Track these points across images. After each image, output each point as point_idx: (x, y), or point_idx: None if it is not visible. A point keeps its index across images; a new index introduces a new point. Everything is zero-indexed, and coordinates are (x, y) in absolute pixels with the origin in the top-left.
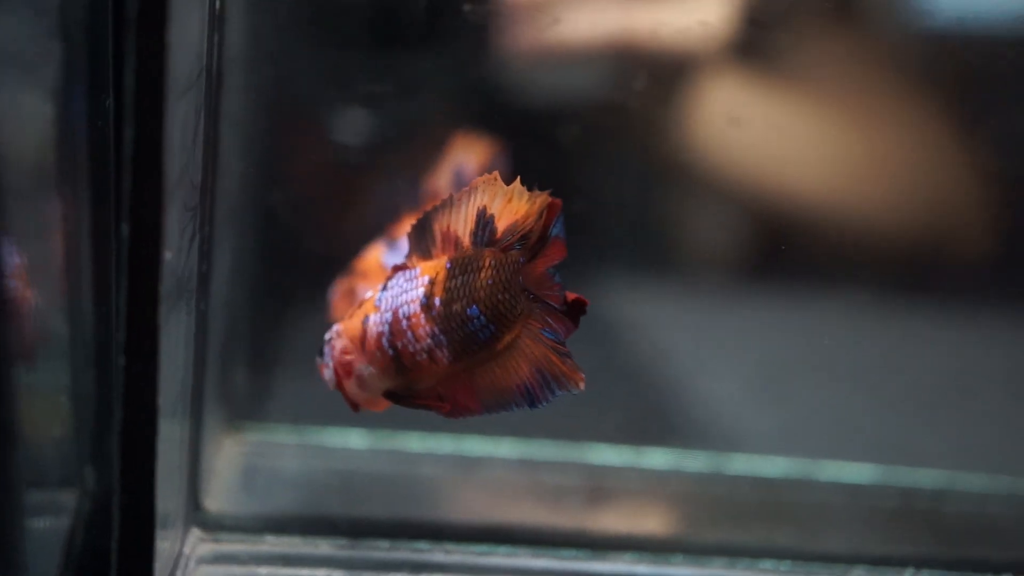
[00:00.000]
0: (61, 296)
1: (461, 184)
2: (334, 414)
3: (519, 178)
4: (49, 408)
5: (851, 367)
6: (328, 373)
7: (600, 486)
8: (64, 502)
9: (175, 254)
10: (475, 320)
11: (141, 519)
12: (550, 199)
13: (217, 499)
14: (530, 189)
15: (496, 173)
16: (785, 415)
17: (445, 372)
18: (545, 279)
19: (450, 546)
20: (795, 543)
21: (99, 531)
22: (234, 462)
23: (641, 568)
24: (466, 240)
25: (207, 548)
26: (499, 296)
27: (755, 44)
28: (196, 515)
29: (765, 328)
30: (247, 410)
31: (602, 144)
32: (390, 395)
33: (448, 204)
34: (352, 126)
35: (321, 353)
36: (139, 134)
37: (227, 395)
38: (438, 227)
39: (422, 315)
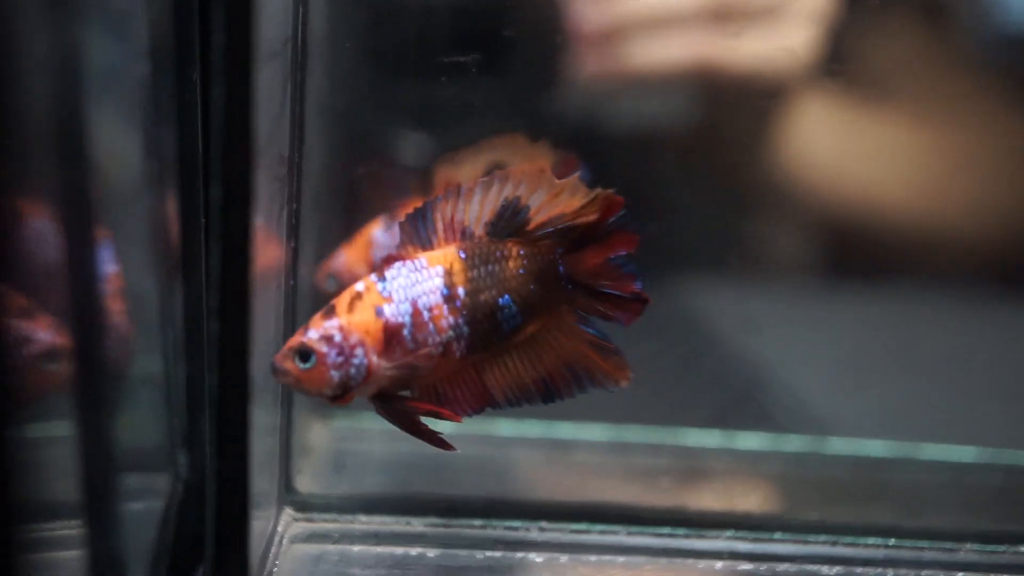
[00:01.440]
0: (154, 283)
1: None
2: None
3: (577, 175)
4: (144, 394)
5: (942, 356)
6: (336, 374)
7: (695, 467)
8: (159, 486)
9: (265, 223)
10: (505, 310)
11: (236, 491)
12: (610, 195)
13: (309, 480)
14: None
15: (545, 166)
16: (878, 401)
17: (452, 368)
18: (605, 269)
19: (545, 524)
20: (899, 521)
21: (193, 513)
22: (325, 444)
23: (741, 545)
24: (478, 230)
25: (300, 527)
26: (531, 287)
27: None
28: (288, 495)
29: (857, 320)
30: None
31: (688, 164)
32: (379, 397)
33: (454, 194)
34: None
35: (304, 355)
36: (229, 92)
37: None
38: (440, 216)
39: (444, 306)
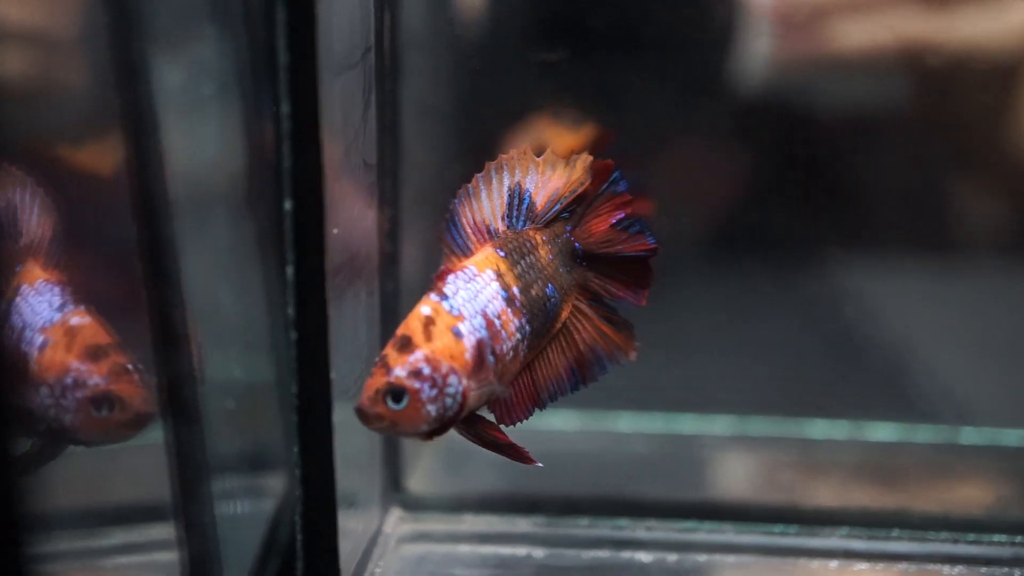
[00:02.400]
0: (260, 288)
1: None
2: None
3: (549, 148)
4: (257, 397)
5: None
6: (432, 408)
7: (815, 461)
8: (273, 486)
9: (345, 230)
10: (551, 299)
11: (322, 493)
12: (594, 160)
13: (418, 480)
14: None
15: (526, 147)
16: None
17: (518, 370)
18: (614, 235)
19: (652, 523)
20: None
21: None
22: (435, 444)
23: (856, 544)
24: (499, 225)
25: (407, 527)
26: (561, 270)
27: None
28: (396, 496)
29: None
30: None
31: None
32: (464, 421)
33: (467, 194)
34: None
35: (396, 395)
36: (294, 108)
37: None
38: (465, 220)
39: (508, 310)
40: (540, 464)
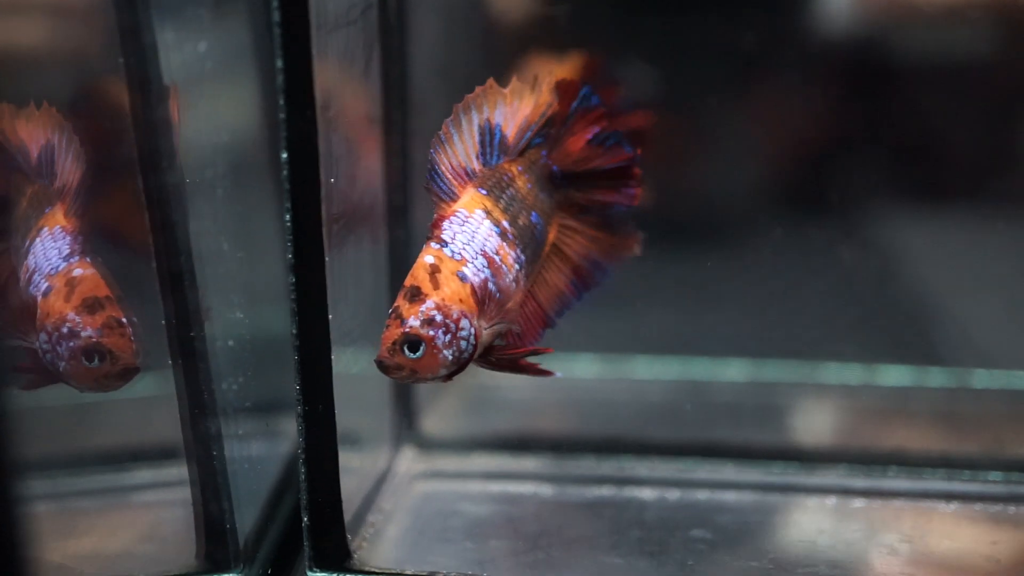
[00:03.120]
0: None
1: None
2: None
3: (515, 78)
4: (270, 340)
5: None
6: (448, 353)
7: (828, 404)
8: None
9: (347, 181)
10: (537, 226)
11: (323, 429)
12: (562, 81)
13: (432, 421)
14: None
15: (490, 81)
16: None
17: (521, 299)
18: (591, 152)
19: (656, 462)
20: None
21: None
22: (449, 385)
23: (856, 481)
24: (475, 164)
25: (420, 466)
26: (541, 196)
27: None
28: (410, 435)
29: None
30: None
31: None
32: (482, 356)
33: (440, 141)
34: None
35: (412, 345)
36: (287, 63)
37: None
38: (444, 168)
39: (504, 244)
40: (559, 375)
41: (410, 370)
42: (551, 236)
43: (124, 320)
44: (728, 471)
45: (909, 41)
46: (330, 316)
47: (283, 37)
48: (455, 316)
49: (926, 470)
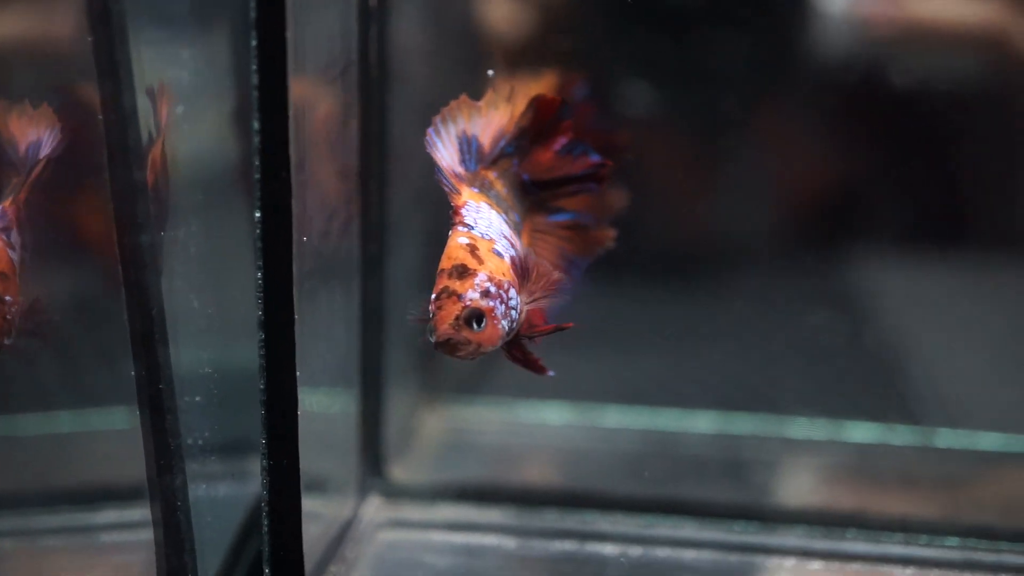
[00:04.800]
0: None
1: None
2: (531, 389)
3: (491, 90)
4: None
5: None
6: (505, 324)
7: (792, 460)
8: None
9: (318, 236)
10: (519, 226)
11: (287, 481)
12: (541, 97)
13: (404, 468)
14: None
15: (463, 95)
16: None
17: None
18: (557, 162)
19: (619, 517)
20: (987, 520)
21: None
22: (428, 435)
23: (815, 543)
24: (460, 169)
25: (384, 514)
26: (515, 201)
27: None
28: (377, 483)
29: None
30: (447, 385)
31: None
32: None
33: (430, 146)
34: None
35: (478, 318)
36: (263, 123)
37: (420, 371)
38: (444, 168)
39: (512, 230)
40: (552, 373)
41: (475, 344)
42: (526, 240)
43: (8, 298)
44: (689, 528)
45: (881, 95)
46: (298, 372)
47: (260, 99)
48: (505, 287)
49: (884, 533)
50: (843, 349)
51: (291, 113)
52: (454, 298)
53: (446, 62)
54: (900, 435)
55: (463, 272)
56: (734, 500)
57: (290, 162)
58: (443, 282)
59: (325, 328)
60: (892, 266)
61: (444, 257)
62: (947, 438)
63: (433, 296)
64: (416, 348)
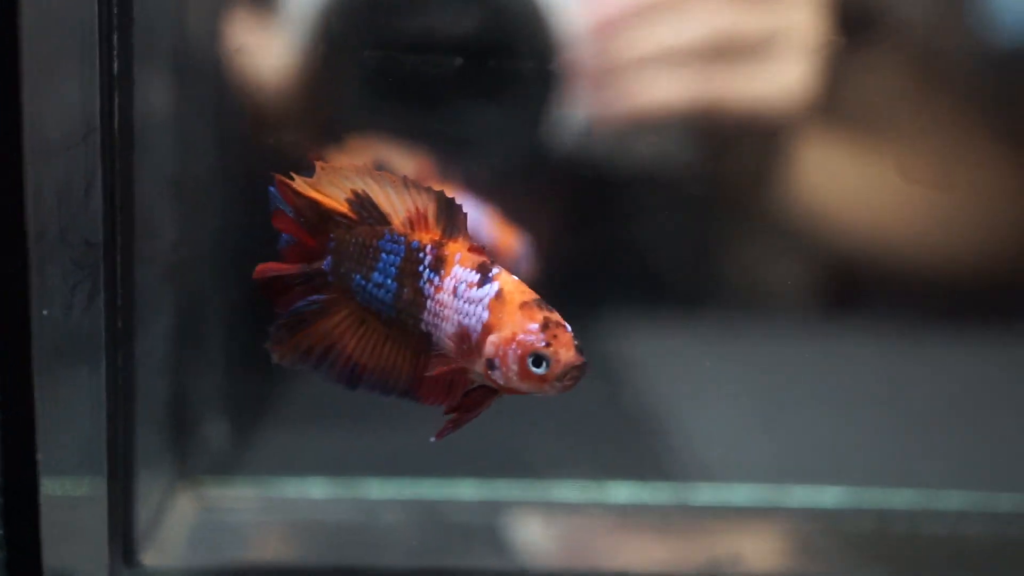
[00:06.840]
0: None
1: None
2: (291, 464)
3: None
4: None
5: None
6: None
7: (556, 522)
8: None
9: (61, 311)
10: None
11: (28, 569)
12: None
13: (157, 554)
14: None
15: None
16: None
17: None
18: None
19: None
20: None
21: None
22: (183, 516)
23: None
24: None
25: None
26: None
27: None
28: (130, 571)
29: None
30: (201, 464)
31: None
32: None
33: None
34: None
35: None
36: None
37: (171, 450)
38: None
39: None
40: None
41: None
42: None
43: None
44: None
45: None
46: (39, 456)
47: None
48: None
49: None
50: (599, 411)
51: (27, 184)
52: (564, 327)
53: (193, 130)
54: (660, 493)
55: (543, 303)
56: (498, 567)
57: (25, 232)
58: (542, 312)
59: (68, 410)
60: (639, 329)
61: (516, 291)
62: (704, 494)
63: (535, 326)
64: (164, 428)
